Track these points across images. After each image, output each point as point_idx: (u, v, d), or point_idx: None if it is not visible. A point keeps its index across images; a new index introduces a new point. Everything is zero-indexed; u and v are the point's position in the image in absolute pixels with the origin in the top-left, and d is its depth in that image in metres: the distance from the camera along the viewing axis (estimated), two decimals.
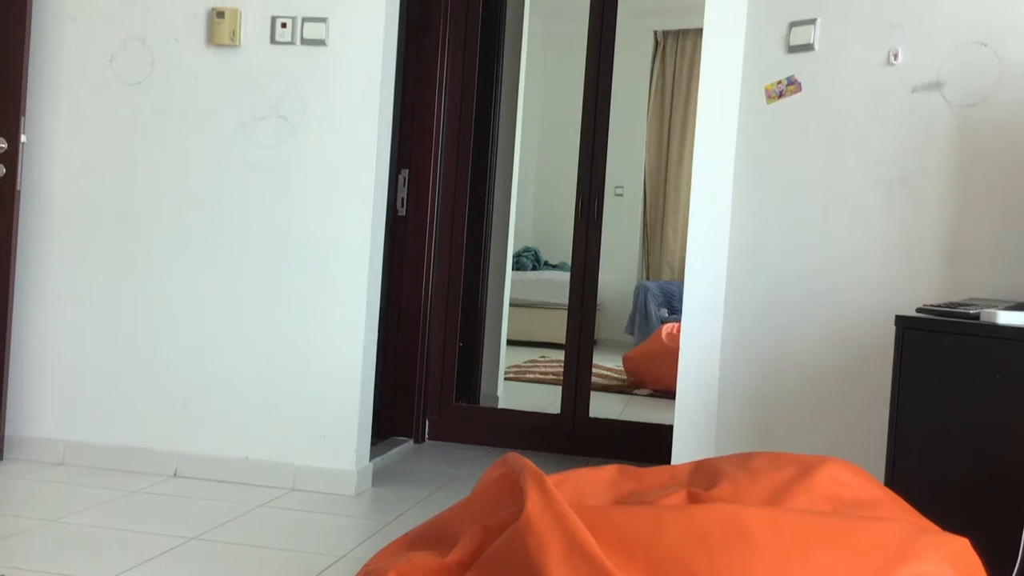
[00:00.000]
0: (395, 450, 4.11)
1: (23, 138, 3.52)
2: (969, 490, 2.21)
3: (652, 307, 6.76)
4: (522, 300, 6.75)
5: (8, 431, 3.61)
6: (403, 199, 4.26)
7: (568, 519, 1.54)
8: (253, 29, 3.48)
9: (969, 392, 2.20)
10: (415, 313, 4.27)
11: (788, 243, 3.14)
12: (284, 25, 3.45)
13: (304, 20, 3.44)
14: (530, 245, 7.66)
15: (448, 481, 3.72)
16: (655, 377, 5.63)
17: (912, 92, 2.90)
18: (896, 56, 2.93)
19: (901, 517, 1.74)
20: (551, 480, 1.72)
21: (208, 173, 3.53)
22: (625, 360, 5.91)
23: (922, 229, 2.87)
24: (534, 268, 7.62)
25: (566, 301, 4.37)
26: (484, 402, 4.77)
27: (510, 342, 5.13)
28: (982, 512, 2.19)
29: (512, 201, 4.96)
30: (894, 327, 2.34)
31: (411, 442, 4.31)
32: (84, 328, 3.61)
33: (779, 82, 3.18)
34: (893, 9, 2.94)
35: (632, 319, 6.85)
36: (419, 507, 3.34)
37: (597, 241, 4.31)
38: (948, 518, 1.93)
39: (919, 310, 2.36)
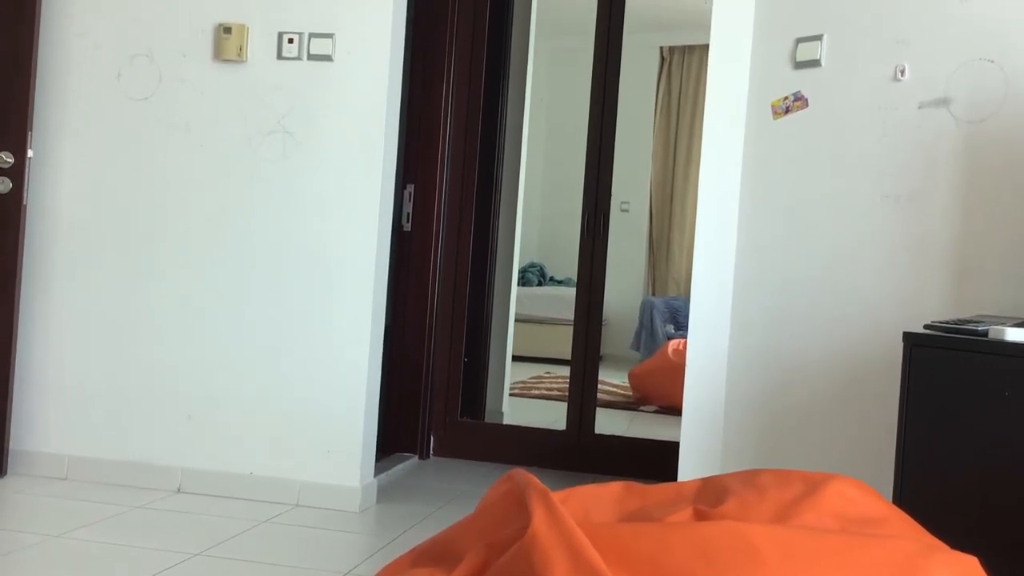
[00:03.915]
0: (400, 466, 4.09)
1: (30, 153, 3.53)
2: (978, 508, 2.19)
3: (658, 323, 6.75)
4: (528, 316, 6.75)
5: (12, 445, 3.60)
6: (408, 214, 4.26)
7: (574, 536, 1.53)
8: (260, 45, 3.50)
9: (977, 409, 2.19)
10: (420, 329, 4.27)
11: (794, 259, 3.14)
12: (291, 41, 3.46)
13: (311, 36, 3.45)
14: (536, 260, 7.67)
15: (453, 497, 3.71)
16: (661, 393, 5.61)
17: (919, 108, 2.90)
18: (903, 72, 2.93)
19: (909, 535, 1.72)
20: (557, 497, 1.71)
21: (214, 188, 3.53)
22: (631, 376, 5.90)
23: (929, 244, 2.86)
24: (540, 284, 7.62)
25: (572, 317, 4.36)
26: (489, 418, 4.76)
27: (515, 358, 5.13)
28: (991, 530, 2.17)
29: (518, 216, 4.96)
30: (902, 343, 2.33)
31: (416, 458, 4.29)
32: (89, 343, 3.61)
33: (785, 98, 3.18)
34: (900, 25, 2.94)
35: (638, 335, 6.84)
36: (424, 524, 3.32)
37: (603, 257, 4.30)
38: (957, 536, 1.91)
39: (927, 327, 2.35)
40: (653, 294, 7.48)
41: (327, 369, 3.46)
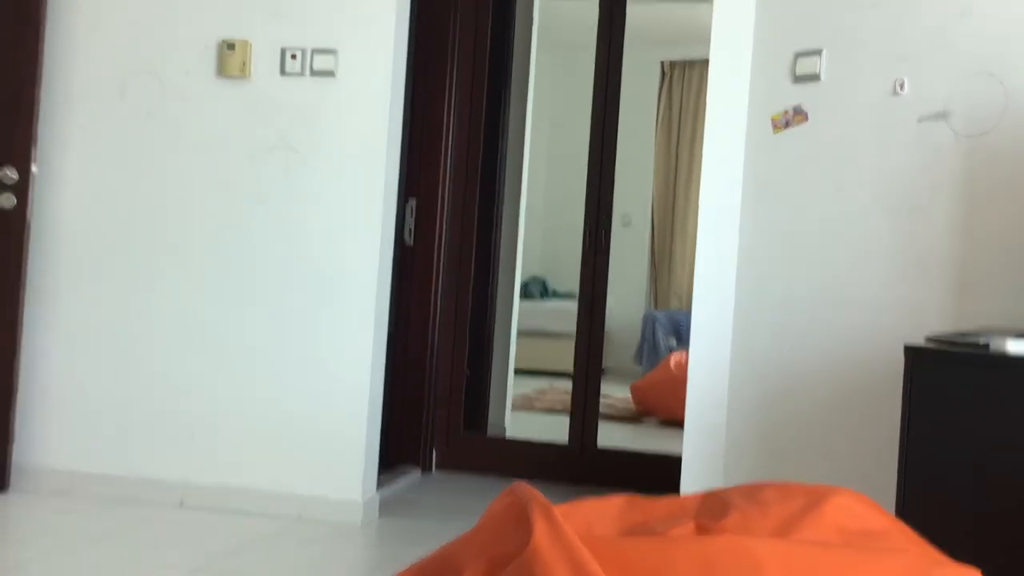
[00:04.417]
0: (402, 480, 4.09)
1: (34, 168, 3.54)
2: (980, 520, 2.19)
3: (660, 336, 6.75)
4: (530, 329, 6.73)
5: (16, 460, 3.60)
6: (411, 228, 4.27)
7: (576, 550, 1.53)
8: (263, 61, 3.51)
9: (979, 422, 2.19)
10: (422, 342, 4.27)
11: (796, 272, 3.14)
12: (294, 57, 3.48)
13: (314, 52, 3.47)
14: (538, 274, 7.67)
15: (455, 511, 3.70)
16: (664, 407, 5.61)
17: (919, 122, 2.90)
18: (902, 86, 2.94)
19: (911, 548, 1.72)
20: (559, 510, 1.71)
21: (217, 204, 3.54)
22: (633, 390, 5.89)
23: (930, 258, 2.86)
24: (542, 297, 7.62)
25: (574, 330, 4.37)
26: (492, 432, 4.75)
27: (518, 371, 5.12)
28: (993, 543, 2.17)
29: (520, 230, 4.97)
30: (903, 356, 2.33)
31: (418, 472, 4.29)
32: (92, 358, 3.61)
33: (785, 112, 3.19)
34: (899, 40, 2.95)
35: (640, 348, 6.84)
36: (426, 538, 3.31)
37: (605, 270, 4.31)
38: (959, 549, 1.91)
39: (928, 340, 2.36)
40: (655, 307, 7.49)
41: (330, 383, 3.46)
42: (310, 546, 3.15)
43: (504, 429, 4.86)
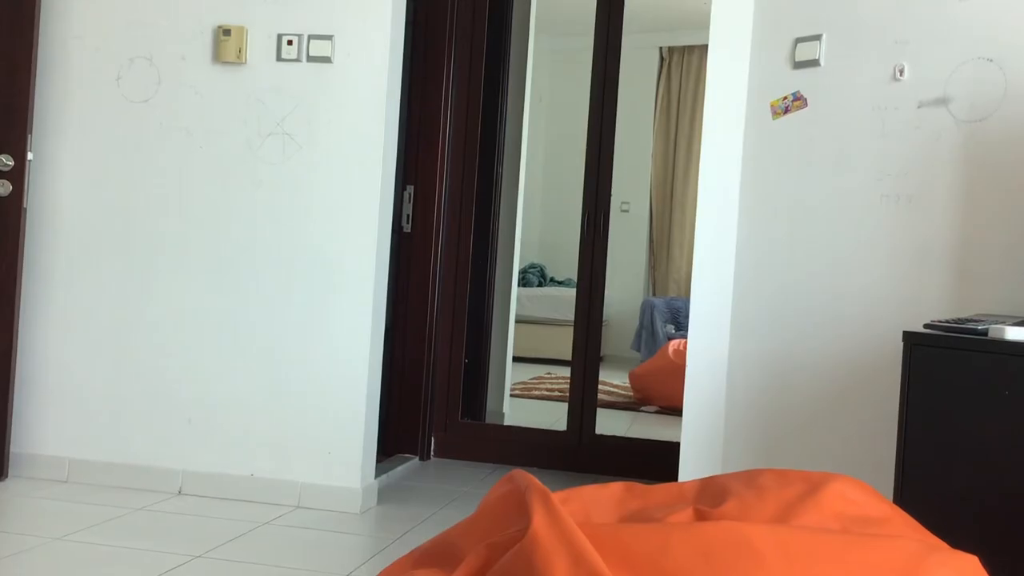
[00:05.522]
0: (401, 467, 4.09)
1: (30, 156, 3.53)
2: (979, 507, 2.19)
3: (659, 323, 6.75)
4: (528, 316, 6.75)
5: (13, 449, 3.61)
6: (408, 215, 4.26)
7: (574, 537, 1.53)
8: (259, 47, 3.50)
9: (978, 408, 2.19)
10: (420, 330, 4.27)
11: (794, 259, 3.14)
12: (290, 43, 3.46)
13: (310, 38, 3.45)
14: (536, 261, 7.67)
15: (454, 499, 3.71)
16: (662, 394, 5.62)
17: (918, 107, 2.90)
18: (902, 72, 2.93)
19: (910, 534, 1.72)
20: (557, 497, 1.71)
21: (214, 190, 3.53)
22: (632, 377, 5.90)
23: (929, 244, 2.86)
24: (540, 284, 7.62)
25: (572, 317, 4.36)
26: (490, 419, 4.76)
27: (516, 359, 5.13)
28: (992, 529, 2.17)
29: (518, 217, 4.96)
30: (901, 343, 2.33)
31: (417, 459, 4.29)
32: (89, 346, 3.61)
33: (785, 98, 3.18)
34: (899, 25, 2.94)
35: (639, 335, 6.84)
36: (425, 525, 3.32)
37: (603, 257, 4.30)
38: (957, 535, 1.91)
39: (927, 326, 2.35)
40: (654, 294, 7.49)
41: (328, 370, 3.46)
42: (309, 533, 3.16)
43: (502, 416, 4.87)
